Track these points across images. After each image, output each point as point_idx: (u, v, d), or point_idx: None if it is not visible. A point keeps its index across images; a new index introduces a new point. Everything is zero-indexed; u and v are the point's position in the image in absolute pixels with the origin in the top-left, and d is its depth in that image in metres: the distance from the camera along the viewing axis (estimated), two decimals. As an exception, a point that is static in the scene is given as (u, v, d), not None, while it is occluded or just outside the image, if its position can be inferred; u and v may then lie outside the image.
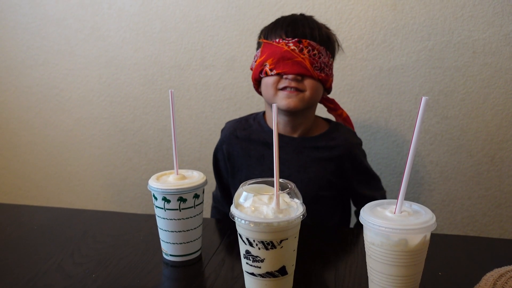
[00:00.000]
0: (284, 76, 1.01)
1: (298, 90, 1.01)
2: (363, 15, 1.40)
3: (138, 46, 1.59)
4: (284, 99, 1.01)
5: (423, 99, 0.57)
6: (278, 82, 1.02)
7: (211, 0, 1.49)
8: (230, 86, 1.55)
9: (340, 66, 1.45)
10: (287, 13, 1.13)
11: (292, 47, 1.00)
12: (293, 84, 1.00)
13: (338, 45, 1.11)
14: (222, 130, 1.19)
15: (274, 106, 0.63)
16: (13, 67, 1.73)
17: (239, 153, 1.13)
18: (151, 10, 1.55)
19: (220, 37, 1.51)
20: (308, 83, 1.01)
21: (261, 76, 1.04)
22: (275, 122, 0.63)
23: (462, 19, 1.34)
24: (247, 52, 1.50)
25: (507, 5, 1.31)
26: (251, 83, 1.22)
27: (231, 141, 1.14)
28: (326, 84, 1.05)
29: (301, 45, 1.00)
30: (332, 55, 1.09)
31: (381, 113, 1.47)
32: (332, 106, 1.18)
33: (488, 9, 1.32)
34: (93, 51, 1.63)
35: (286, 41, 1.01)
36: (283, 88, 1.02)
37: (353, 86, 1.46)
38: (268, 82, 1.03)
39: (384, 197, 1.17)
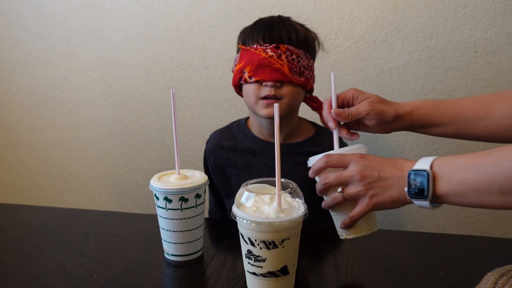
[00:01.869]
0: (264, 83, 1.00)
1: (277, 98, 1.00)
2: (364, 15, 1.40)
3: (140, 46, 1.59)
4: (264, 108, 1.01)
5: (332, 74, 0.77)
6: (258, 90, 1.01)
7: (212, 1, 1.49)
8: (231, 86, 1.54)
9: (342, 66, 1.45)
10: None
11: (270, 53, 0.98)
12: (272, 92, 0.99)
13: (319, 43, 1.10)
14: (207, 142, 1.19)
15: (276, 106, 0.63)
16: (14, 68, 1.73)
17: (226, 164, 1.13)
18: (152, 10, 1.55)
19: (221, 37, 1.52)
20: (287, 89, 1.00)
21: (241, 82, 1.04)
22: (276, 122, 0.63)
23: (464, 18, 1.34)
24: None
25: (508, 5, 1.31)
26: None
27: (217, 152, 1.15)
28: (306, 87, 1.04)
29: (279, 50, 0.99)
30: (313, 56, 1.07)
31: (383, 113, 1.46)
32: (316, 105, 1.18)
33: (489, 8, 1.32)
34: (95, 52, 1.64)
35: (264, 47, 0.99)
36: (264, 97, 1.00)
37: (355, 86, 1.45)
38: (248, 90, 1.02)
39: None
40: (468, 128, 0.78)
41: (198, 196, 0.77)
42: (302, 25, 1.08)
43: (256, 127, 1.12)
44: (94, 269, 0.77)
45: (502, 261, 0.70)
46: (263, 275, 0.64)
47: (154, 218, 0.87)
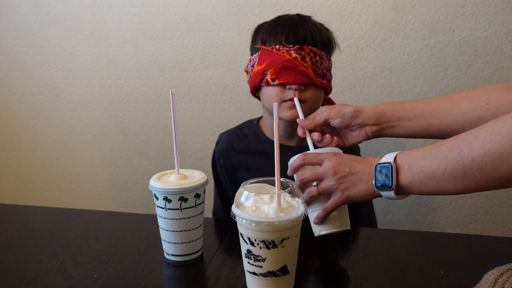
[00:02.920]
0: (288, 86, 0.97)
1: (300, 101, 0.97)
2: (364, 14, 1.40)
3: (139, 46, 1.59)
4: (287, 110, 0.98)
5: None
6: (282, 93, 0.98)
7: (211, 0, 1.49)
8: (231, 85, 1.55)
9: (341, 65, 1.45)
10: (287, 12, 1.12)
11: (294, 55, 0.96)
12: (297, 95, 0.96)
13: (335, 43, 1.08)
14: (217, 143, 1.17)
15: (275, 104, 0.63)
16: (14, 68, 1.73)
17: (237, 166, 1.11)
18: (152, 10, 1.55)
19: (220, 37, 1.51)
20: (310, 92, 0.98)
21: (262, 85, 1.01)
22: (276, 121, 0.63)
23: (463, 17, 1.34)
24: (248, 51, 1.49)
25: (508, 3, 1.31)
26: (252, 82, 1.22)
27: (229, 153, 1.12)
28: (327, 89, 1.03)
29: (303, 52, 0.96)
30: (331, 57, 1.07)
31: (382, 112, 1.46)
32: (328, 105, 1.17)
33: (489, 7, 1.32)
34: (94, 51, 1.64)
35: (287, 49, 0.96)
36: (288, 100, 0.98)
37: (354, 85, 1.46)
38: (270, 93, 0.99)
39: (369, 220, 1.16)
40: (437, 122, 0.82)
41: (197, 196, 0.77)
42: (322, 25, 1.05)
43: (270, 129, 1.10)
44: (93, 269, 0.77)
45: (502, 260, 0.70)
46: (263, 275, 0.64)
47: (153, 218, 0.87)
